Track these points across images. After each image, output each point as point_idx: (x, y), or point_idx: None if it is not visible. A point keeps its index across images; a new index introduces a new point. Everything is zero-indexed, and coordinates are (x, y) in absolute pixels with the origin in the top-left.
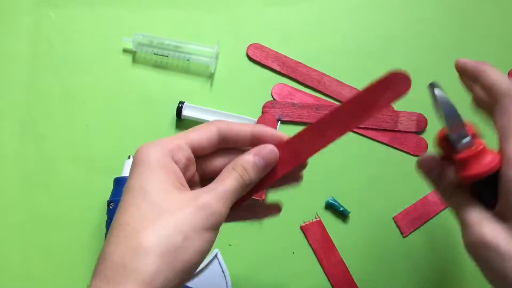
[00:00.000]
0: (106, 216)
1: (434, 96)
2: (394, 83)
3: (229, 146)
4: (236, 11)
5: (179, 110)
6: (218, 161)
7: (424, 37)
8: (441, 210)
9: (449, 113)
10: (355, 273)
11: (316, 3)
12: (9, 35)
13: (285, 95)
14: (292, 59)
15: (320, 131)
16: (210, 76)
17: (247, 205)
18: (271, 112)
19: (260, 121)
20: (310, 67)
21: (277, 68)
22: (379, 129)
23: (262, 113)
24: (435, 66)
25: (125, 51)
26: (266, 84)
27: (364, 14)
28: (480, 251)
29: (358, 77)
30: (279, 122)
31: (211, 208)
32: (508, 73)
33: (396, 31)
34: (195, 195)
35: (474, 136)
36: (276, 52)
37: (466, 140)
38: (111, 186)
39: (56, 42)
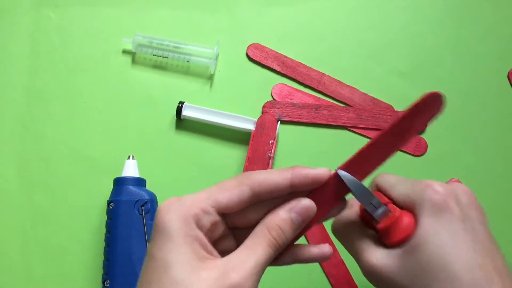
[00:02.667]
0: (106, 216)
1: (341, 179)
2: (430, 105)
3: (263, 200)
4: (236, 11)
5: (179, 110)
6: (251, 215)
7: (424, 37)
8: None
9: (358, 191)
10: (355, 273)
11: (316, 3)
12: (9, 35)
13: (285, 95)
14: (292, 59)
15: (358, 165)
16: (210, 77)
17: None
18: (271, 112)
19: (260, 121)
20: (310, 67)
21: (277, 68)
22: (379, 129)
23: (262, 113)
24: (435, 66)
25: (125, 52)
26: (266, 84)
27: (364, 14)
28: (373, 275)
29: (358, 77)
30: (279, 122)
31: None
32: (508, 73)
33: (396, 31)
34: (223, 271)
35: (388, 203)
36: (276, 52)
37: (381, 210)
38: (111, 186)
39: (56, 42)
